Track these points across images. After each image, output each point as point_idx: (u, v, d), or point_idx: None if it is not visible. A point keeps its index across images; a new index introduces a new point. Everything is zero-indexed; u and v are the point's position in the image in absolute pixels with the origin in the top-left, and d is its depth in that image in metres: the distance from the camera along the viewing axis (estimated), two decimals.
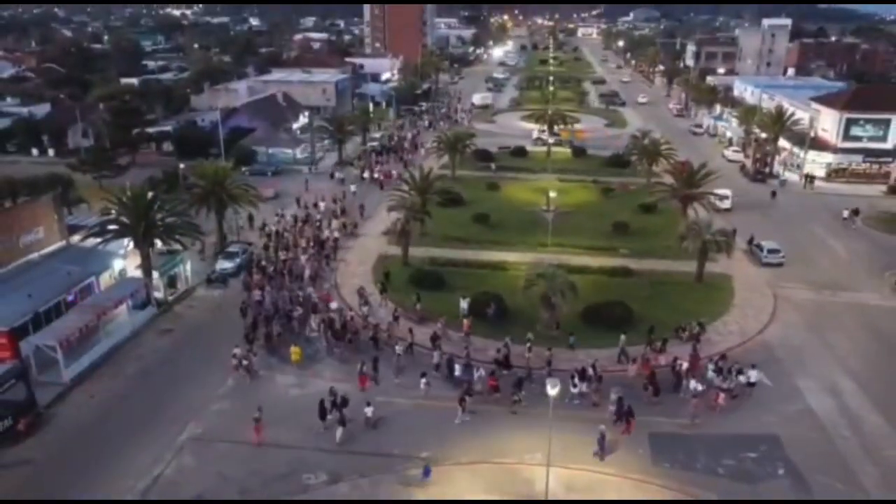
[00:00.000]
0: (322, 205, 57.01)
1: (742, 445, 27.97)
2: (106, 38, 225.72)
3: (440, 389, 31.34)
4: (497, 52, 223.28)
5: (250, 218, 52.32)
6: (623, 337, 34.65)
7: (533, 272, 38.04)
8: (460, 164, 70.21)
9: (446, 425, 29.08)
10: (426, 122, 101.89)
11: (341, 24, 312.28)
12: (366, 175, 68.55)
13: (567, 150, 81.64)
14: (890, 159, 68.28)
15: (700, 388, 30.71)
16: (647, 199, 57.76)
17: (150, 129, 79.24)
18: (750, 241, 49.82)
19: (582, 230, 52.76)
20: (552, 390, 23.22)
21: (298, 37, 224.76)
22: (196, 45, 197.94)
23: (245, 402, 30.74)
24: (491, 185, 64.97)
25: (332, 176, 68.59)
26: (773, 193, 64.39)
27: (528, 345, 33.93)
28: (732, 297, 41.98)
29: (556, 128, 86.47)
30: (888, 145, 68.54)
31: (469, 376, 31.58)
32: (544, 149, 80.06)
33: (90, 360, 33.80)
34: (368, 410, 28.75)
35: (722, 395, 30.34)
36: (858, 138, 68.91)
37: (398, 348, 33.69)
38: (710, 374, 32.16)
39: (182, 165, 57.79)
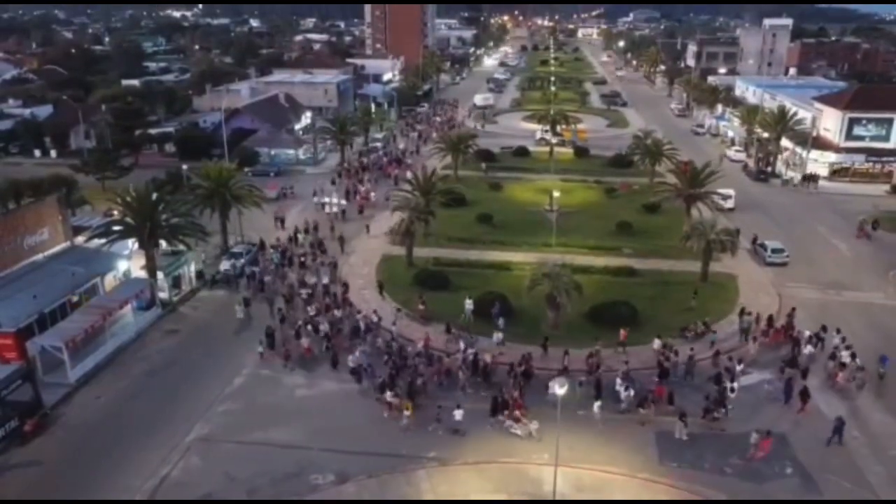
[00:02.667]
0: (300, 237, 50.39)
1: (750, 445, 27.85)
2: (107, 39, 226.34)
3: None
4: (494, 60, 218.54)
5: (262, 245, 48.16)
6: (746, 318, 37.16)
7: (538, 272, 38.01)
8: (463, 165, 70.17)
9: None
10: (421, 135, 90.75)
11: (341, 25, 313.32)
12: (345, 201, 58.44)
13: (569, 151, 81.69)
14: (893, 159, 68.19)
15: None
16: (651, 198, 57.69)
17: (153, 131, 79.32)
18: (754, 241, 49.82)
19: (585, 230, 52.74)
20: (559, 390, 23.22)
21: (299, 38, 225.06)
22: (197, 47, 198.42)
23: (252, 402, 30.82)
24: (494, 186, 64.89)
25: (314, 194, 60.04)
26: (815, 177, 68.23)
27: (675, 348, 33.96)
28: (737, 296, 41.94)
29: (558, 128, 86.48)
30: (891, 145, 68.50)
31: (634, 389, 30.68)
32: (547, 149, 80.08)
33: (96, 361, 33.83)
34: (458, 413, 28.41)
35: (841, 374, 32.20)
36: (861, 138, 68.84)
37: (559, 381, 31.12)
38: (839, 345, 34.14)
39: (185, 167, 57.80)
